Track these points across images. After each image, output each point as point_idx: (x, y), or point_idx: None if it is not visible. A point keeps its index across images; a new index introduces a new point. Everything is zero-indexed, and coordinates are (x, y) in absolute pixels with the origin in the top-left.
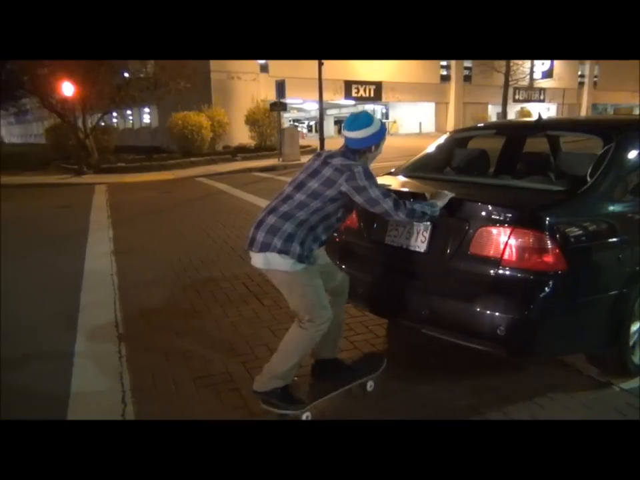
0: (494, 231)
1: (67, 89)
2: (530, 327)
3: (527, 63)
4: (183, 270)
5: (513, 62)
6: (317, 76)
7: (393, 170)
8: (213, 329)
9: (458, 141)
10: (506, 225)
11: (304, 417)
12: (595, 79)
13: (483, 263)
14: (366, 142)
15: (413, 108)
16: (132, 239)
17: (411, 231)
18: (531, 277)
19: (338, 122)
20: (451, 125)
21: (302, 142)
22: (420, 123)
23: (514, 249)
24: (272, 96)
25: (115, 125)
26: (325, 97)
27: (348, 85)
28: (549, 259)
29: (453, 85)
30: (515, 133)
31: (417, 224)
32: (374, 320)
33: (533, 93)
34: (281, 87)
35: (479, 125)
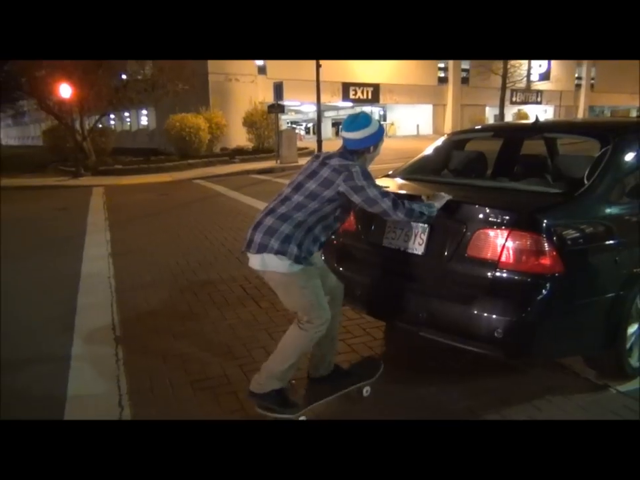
0: (491, 233)
1: (65, 90)
2: (527, 330)
3: (524, 65)
4: (181, 272)
5: (510, 64)
6: (314, 78)
7: (390, 172)
8: (211, 331)
9: (455, 143)
10: (503, 227)
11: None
12: (592, 81)
13: (480, 265)
14: (364, 143)
15: (411, 110)
16: (129, 241)
17: (408, 234)
18: (528, 280)
19: (336, 124)
20: (448, 127)
21: (300, 144)
22: (417, 125)
23: (511, 251)
24: (270, 98)
25: (113, 127)
26: (323, 98)
27: (346, 87)
28: (546, 261)
29: (450, 87)
30: (513, 135)
31: (415, 226)
32: (371, 322)
33: (530, 95)
34: (278, 89)
35: (476, 127)
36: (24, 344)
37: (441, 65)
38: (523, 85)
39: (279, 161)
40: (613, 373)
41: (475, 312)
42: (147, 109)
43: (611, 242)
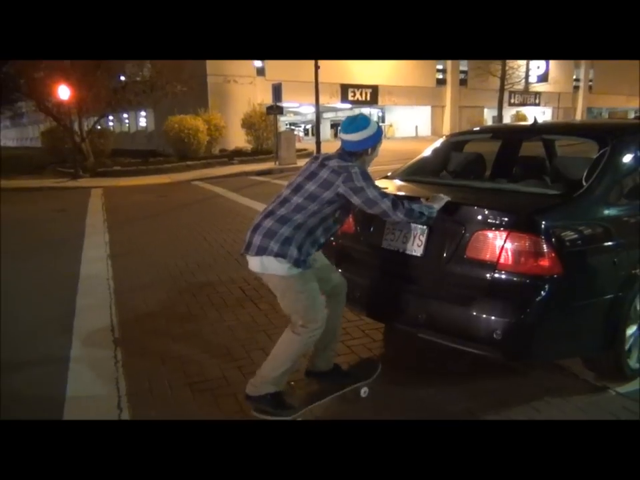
0: (490, 234)
1: (63, 92)
2: (526, 331)
3: (523, 67)
4: (180, 274)
5: (508, 66)
6: (313, 79)
7: (389, 174)
8: (210, 333)
9: (454, 144)
10: (502, 229)
11: None
12: (590, 83)
13: (479, 266)
14: (362, 144)
15: (409, 111)
16: (128, 243)
17: (407, 235)
18: (527, 281)
19: (334, 125)
20: (447, 129)
21: (298, 145)
22: (416, 127)
23: (510, 253)
24: (268, 99)
25: (111, 128)
26: (322, 100)
27: (344, 89)
28: (544, 262)
29: (449, 89)
30: (511, 137)
31: (414, 228)
32: (371, 324)
33: (528, 96)
34: (277, 91)
35: (475, 128)
36: (22, 345)
37: (440, 66)
38: (521, 86)
39: (277, 163)
40: (612, 374)
41: (474, 313)
42: (145, 111)
43: (610, 243)
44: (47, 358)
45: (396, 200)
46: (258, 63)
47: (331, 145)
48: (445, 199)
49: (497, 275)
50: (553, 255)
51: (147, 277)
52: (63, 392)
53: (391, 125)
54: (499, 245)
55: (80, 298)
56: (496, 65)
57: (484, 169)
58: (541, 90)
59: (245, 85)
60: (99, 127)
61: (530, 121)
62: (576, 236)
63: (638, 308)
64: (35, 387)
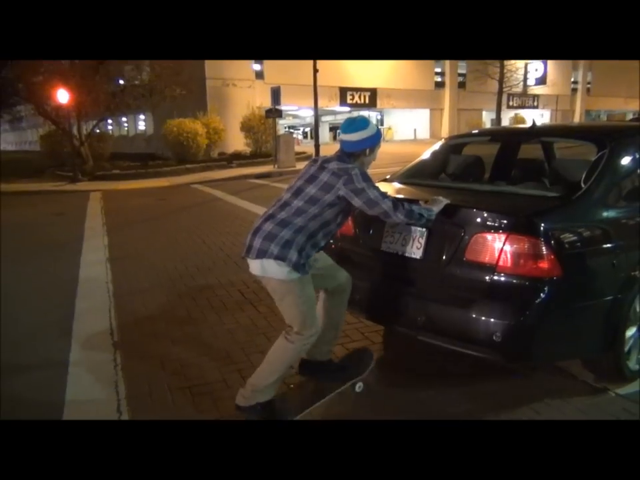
0: (489, 237)
1: (62, 96)
2: (526, 333)
3: (521, 70)
4: (179, 277)
5: (506, 68)
6: (312, 83)
7: (388, 177)
8: (209, 336)
9: (453, 147)
10: (501, 231)
11: None
12: (589, 85)
13: (478, 269)
14: (361, 145)
15: (408, 114)
16: (127, 246)
17: (406, 238)
18: (527, 283)
19: (333, 128)
20: (445, 132)
21: (297, 148)
22: (415, 130)
23: (509, 255)
24: (267, 103)
25: (110, 132)
26: (320, 103)
27: (343, 92)
28: (544, 264)
29: (447, 92)
30: (510, 140)
31: (413, 230)
32: (370, 327)
33: (526, 99)
34: (276, 94)
35: (473, 131)
36: (22, 349)
37: (438, 69)
38: (519, 89)
39: (276, 166)
40: (612, 375)
41: (474, 316)
42: (144, 114)
43: (609, 245)
44: (46, 361)
45: (396, 201)
46: (257, 67)
47: (329, 148)
48: (444, 201)
49: (496, 278)
50: (552, 257)
51: (146, 280)
52: (63, 395)
53: (389, 128)
54: (498, 247)
55: (79, 301)
56: (494, 68)
57: (483, 171)
58: (539, 92)
59: (244, 89)
60: (97, 131)
61: (528, 124)
62: (575, 238)
63: (637, 309)
64: (35, 390)
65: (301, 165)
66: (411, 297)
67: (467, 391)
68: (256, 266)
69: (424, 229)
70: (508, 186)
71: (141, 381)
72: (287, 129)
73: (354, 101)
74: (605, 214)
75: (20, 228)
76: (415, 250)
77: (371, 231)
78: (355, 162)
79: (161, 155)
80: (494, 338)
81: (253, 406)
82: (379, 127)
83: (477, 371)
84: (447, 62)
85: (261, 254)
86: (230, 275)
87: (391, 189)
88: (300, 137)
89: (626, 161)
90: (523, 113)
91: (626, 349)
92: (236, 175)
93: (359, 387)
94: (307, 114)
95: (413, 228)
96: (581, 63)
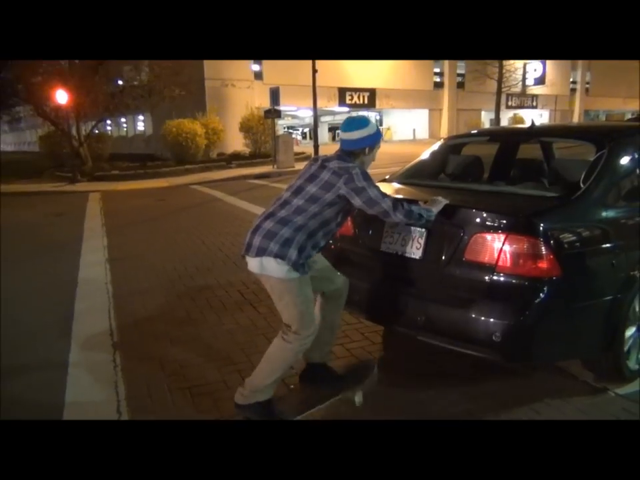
0: (488, 237)
1: (61, 96)
2: (525, 333)
3: (520, 70)
4: (178, 278)
5: (505, 69)
6: (311, 83)
7: (387, 177)
8: (209, 336)
9: (452, 147)
10: (500, 231)
11: None
12: (587, 86)
13: (478, 269)
14: (360, 143)
15: (407, 115)
16: (126, 247)
17: (406, 238)
18: (526, 283)
19: (332, 129)
20: (444, 132)
21: (296, 149)
22: (414, 130)
23: (508, 255)
24: (266, 103)
25: (109, 132)
26: (319, 104)
27: (342, 92)
28: (543, 264)
29: (446, 92)
30: (509, 140)
31: (412, 231)
32: (370, 327)
33: (525, 99)
34: (275, 94)
35: (472, 131)
36: (21, 350)
37: (437, 69)
38: (518, 89)
39: (275, 166)
40: (612, 375)
41: (473, 316)
42: (143, 115)
43: (608, 245)
44: (45, 362)
45: (396, 200)
46: (256, 67)
47: (328, 148)
48: (443, 201)
49: (495, 277)
50: (552, 257)
51: (146, 280)
52: (62, 396)
53: (388, 128)
54: (498, 247)
55: (78, 302)
56: (493, 68)
57: (482, 171)
58: (538, 92)
59: (243, 89)
60: (96, 131)
61: (527, 124)
62: (574, 238)
63: (637, 309)
64: (34, 391)
65: (300, 166)
66: (411, 297)
67: (466, 391)
68: (255, 264)
69: (423, 229)
70: (507, 186)
71: (140, 381)
72: (285, 130)
73: (353, 101)
74: (604, 214)
75: (19, 229)
76: (415, 250)
77: (371, 231)
78: (355, 161)
79: (160, 155)
80: (493, 338)
81: (252, 405)
82: (378, 127)
83: (476, 371)
84: (446, 62)
85: (261, 252)
86: (229, 276)
87: (391, 189)
88: (299, 137)
89: (625, 160)
90: (521, 113)
91: (625, 348)
92: (235, 175)
93: (358, 401)
94: (306, 114)
95: (413, 228)
96: (580, 63)
